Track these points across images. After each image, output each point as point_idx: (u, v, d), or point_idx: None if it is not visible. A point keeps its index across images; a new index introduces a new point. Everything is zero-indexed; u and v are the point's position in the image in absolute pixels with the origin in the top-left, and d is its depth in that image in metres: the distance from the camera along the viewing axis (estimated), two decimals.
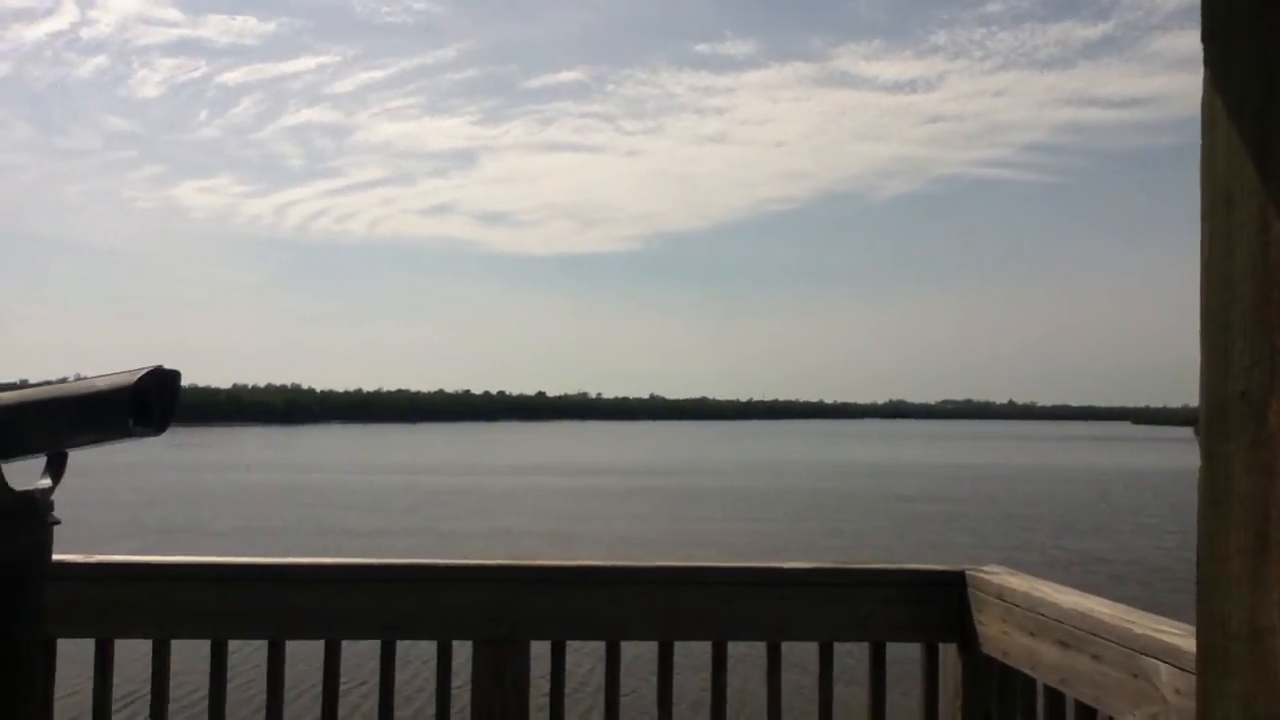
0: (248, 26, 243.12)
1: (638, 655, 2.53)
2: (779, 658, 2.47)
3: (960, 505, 31.52)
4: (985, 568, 2.47)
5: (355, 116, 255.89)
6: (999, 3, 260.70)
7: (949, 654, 2.46)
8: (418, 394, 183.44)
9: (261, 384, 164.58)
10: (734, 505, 30.93)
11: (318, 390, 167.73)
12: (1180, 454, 73.25)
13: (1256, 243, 1.04)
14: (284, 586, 2.47)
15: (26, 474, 1.83)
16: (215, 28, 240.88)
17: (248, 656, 2.91)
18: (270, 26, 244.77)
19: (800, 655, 2.51)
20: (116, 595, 2.42)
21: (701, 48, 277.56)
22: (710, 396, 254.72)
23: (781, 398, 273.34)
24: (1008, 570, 2.45)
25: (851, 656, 2.48)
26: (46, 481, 1.82)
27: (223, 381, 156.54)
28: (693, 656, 2.62)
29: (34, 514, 1.78)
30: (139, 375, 1.74)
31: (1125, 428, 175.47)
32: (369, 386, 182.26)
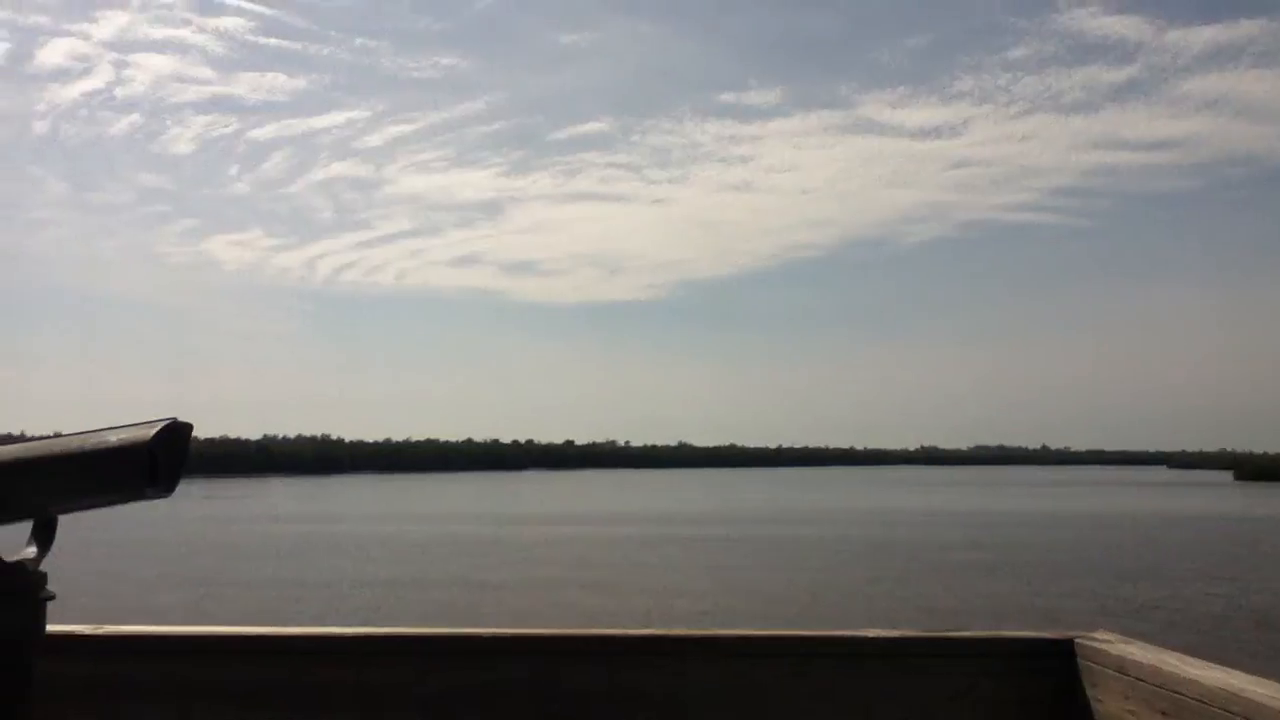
0: (278, 83, 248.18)
1: None
2: None
3: (1002, 553, 30.85)
4: (1097, 635, 2.16)
5: (384, 170, 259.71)
6: (1023, 48, 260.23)
7: None
8: (446, 444, 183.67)
9: (291, 435, 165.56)
10: (772, 554, 30.46)
11: (347, 440, 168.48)
12: (1219, 499, 71.72)
13: None
14: (315, 659, 2.19)
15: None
16: (246, 85, 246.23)
17: None
18: (300, 83, 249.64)
19: None
20: (126, 672, 2.14)
21: (726, 97, 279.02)
22: (739, 444, 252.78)
23: (811, 444, 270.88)
24: (1122, 638, 2.15)
25: None
26: (32, 550, 1.59)
27: (253, 433, 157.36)
28: None
29: (22, 588, 1.56)
30: (155, 429, 1.51)
31: (1162, 472, 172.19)
32: (398, 436, 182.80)
